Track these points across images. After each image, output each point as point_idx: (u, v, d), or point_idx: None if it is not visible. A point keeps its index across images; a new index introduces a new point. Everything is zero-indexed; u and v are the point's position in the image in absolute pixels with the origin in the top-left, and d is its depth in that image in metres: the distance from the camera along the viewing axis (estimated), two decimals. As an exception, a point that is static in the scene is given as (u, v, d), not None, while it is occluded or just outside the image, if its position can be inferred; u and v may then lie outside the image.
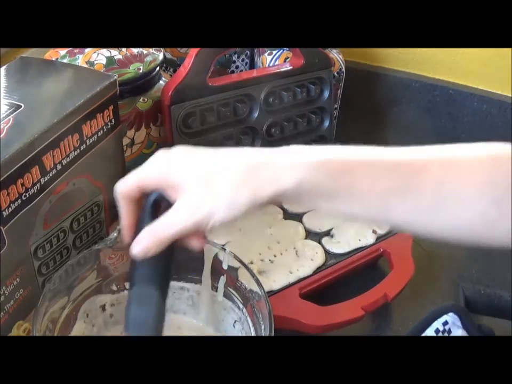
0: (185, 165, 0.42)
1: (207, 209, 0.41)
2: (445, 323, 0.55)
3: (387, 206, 0.41)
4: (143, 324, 0.43)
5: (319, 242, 0.67)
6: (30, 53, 0.70)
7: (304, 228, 0.69)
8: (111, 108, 0.53)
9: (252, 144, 0.72)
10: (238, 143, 0.70)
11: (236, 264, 0.53)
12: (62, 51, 0.62)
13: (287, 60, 0.78)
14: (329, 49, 0.82)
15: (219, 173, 0.41)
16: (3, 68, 0.53)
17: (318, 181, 0.40)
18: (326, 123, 0.78)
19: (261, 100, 0.70)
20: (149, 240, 0.43)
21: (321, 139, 0.79)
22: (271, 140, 0.74)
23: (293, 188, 0.40)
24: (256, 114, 0.71)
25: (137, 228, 0.44)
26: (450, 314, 0.55)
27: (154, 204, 0.44)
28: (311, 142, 0.78)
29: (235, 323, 0.55)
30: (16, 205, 0.44)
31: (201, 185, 0.41)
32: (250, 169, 0.41)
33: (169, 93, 0.63)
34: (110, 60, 0.61)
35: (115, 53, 0.62)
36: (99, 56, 0.61)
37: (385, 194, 0.41)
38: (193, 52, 0.63)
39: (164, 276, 0.45)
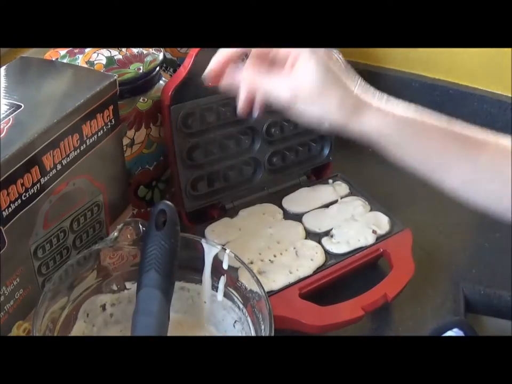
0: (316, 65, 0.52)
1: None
2: None
3: (446, 169, 0.48)
4: (148, 326, 0.46)
5: (319, 242, 0.67)
6: (30, 53, 0.70)
7: (304, 228, 0.69)
8: (111, 108, 0.53)
9: (252, 144, 0.72)
10: (238, 143, 0.70)
11: (236, 264, 0.53)
12: (62, 51, 0.62)
13: (287, 60, 0.78)
14: (329, 49, 0.82)
15: (335, 88, 0.49)
16: (3, 68, 0.53)
17: (397, 137, 0.48)
18: (326, 123, 0.78)
19: (261, 99, 0.70)
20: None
21: (321, 139, 0.79)
22: (271, 140, 0.74)
23: (375, 134, 0.48)
24: (256, 114, 0.71)
25: (144, 233, 0.50)
26: (455, 330, 0.55)
27: (159, 212, 0.49)
28: (311, 142, 0.78)
29: (235, 323, 0.55)
30: (16, 205, 0.44)
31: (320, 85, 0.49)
32: (356, 105, 0.48)
33: (169, 93, 0.63)
34: (110, 60, 0.61)
35: (115, 53, 0.62)
36: (99, 56, 0.61)
37: (449, 158, 0.48)
38: (193, 51, 0.63)
39: (168, 280, 0.48)
